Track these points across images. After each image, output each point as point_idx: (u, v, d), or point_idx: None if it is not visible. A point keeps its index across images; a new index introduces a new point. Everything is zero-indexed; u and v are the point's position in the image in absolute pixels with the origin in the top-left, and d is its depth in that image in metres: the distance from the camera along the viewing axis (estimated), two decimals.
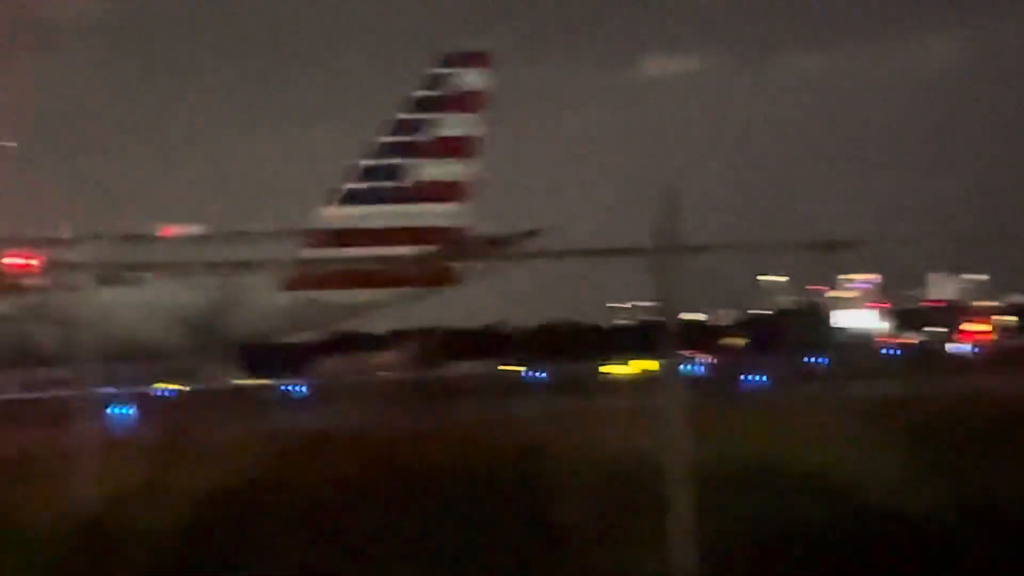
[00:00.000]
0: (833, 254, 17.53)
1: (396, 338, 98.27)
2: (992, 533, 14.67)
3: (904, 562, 13.91)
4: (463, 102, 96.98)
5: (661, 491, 13.06)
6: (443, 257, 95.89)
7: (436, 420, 33.07)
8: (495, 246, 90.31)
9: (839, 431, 16.20)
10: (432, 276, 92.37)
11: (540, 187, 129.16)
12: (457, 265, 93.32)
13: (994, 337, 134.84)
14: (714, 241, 14.01)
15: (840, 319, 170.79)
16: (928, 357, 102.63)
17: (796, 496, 14.50)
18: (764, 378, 69.41)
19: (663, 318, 13.71)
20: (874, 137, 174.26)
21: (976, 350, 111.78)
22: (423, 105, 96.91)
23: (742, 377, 69.27)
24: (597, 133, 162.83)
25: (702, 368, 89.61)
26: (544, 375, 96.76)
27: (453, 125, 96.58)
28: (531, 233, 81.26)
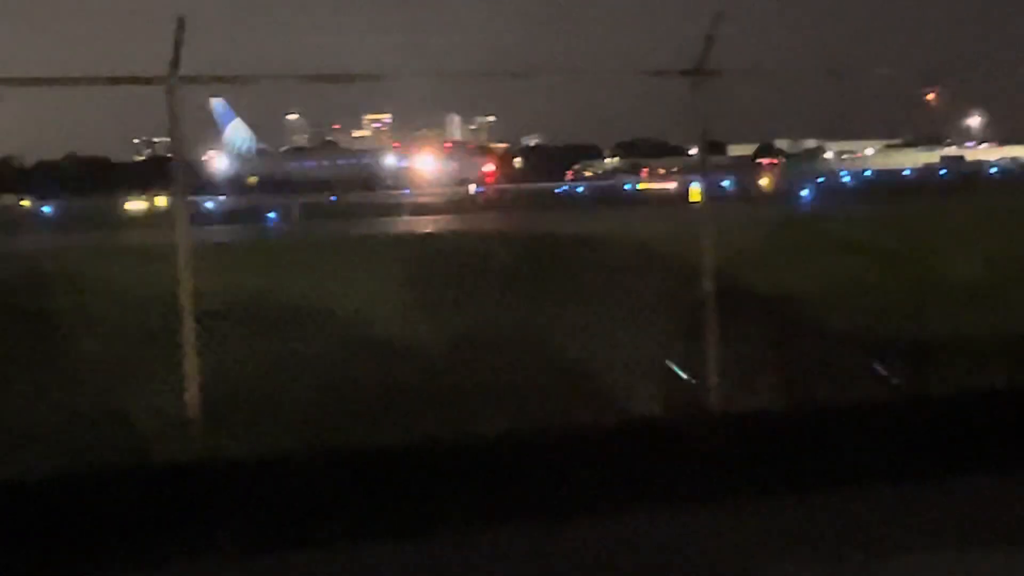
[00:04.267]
0: (343, 86, 17.70)
1: None
2: None
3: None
4: None
5: (172, 326, 13.12)
6: None
7: None
8: None
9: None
10: None
11: None
12: None
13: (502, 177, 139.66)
14: (214, 72, 13.83)
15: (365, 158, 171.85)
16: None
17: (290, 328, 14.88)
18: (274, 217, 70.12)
19: (174, 155, 13.55)
20: None
21: (481, 190, 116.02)
22: None
23: (267, 216, 69.71)
24: None
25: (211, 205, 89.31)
26: (52, 210, 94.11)
27: None
28: None
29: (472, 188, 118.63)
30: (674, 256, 17.92)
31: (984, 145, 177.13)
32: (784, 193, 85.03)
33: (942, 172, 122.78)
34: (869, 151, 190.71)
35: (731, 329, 14.57)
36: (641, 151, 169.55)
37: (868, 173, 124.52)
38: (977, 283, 21.48)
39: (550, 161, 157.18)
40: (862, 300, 20.73)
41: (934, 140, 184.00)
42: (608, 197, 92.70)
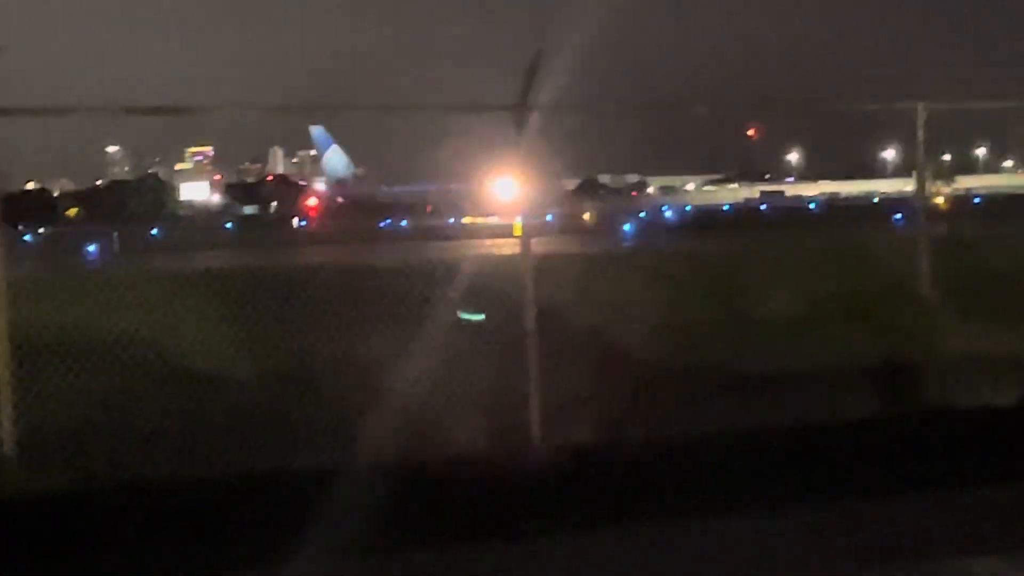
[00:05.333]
0: (171, 119, 17.54)
1: None
2: None
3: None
4: None
5: None
6: None
7: None
8: None
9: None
10: None
11: None
12: None
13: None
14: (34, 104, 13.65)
15: (185, 191, 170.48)
16: (268, 231, 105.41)
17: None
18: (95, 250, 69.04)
19: None
20: None
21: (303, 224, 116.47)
22: None
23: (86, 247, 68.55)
24: None
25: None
26: None
27: None
28: None
29: (295, 222, 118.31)
30: (495, 290, 18.01)
31: (805, 181, 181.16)
32: (606, 228, 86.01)
33: (763, 207, 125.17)
34: (690, 186, 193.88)
35: (553, 363, 14.68)
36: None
37: (689, 208, 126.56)
38: (796, 316, 21.91)
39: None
40: (685, 334, 21.01)
41: (755, 175, 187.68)
42: (431, 232, 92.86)
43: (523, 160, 14.81)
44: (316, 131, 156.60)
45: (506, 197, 16.39)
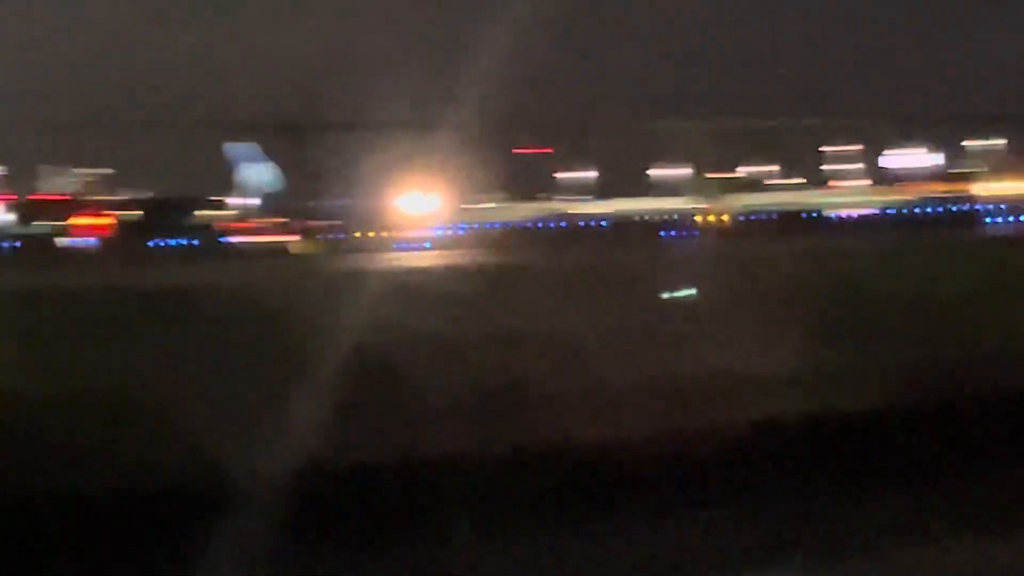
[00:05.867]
0: None
1: None
2: None
3: None
4: None
5: None
6: None
7: None
8: None
9: None
10: None
11: None
12: None
13: (112, 230, 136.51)
14: None
15: None
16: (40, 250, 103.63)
17: None
18: None
19: None
20: None
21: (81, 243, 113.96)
22: None
23: None
24: None
25: None
26: None
27: None
28: None
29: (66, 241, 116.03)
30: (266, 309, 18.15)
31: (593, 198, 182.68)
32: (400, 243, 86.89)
33: (551, 225, 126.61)
34: (483, 204, 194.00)
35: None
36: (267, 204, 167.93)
37: (477, 225, 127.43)
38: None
39: (166, 215, 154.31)
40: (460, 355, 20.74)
41: (542, 195, 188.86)
42: (209, 251, 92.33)
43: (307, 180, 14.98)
44: (237, 148, 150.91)
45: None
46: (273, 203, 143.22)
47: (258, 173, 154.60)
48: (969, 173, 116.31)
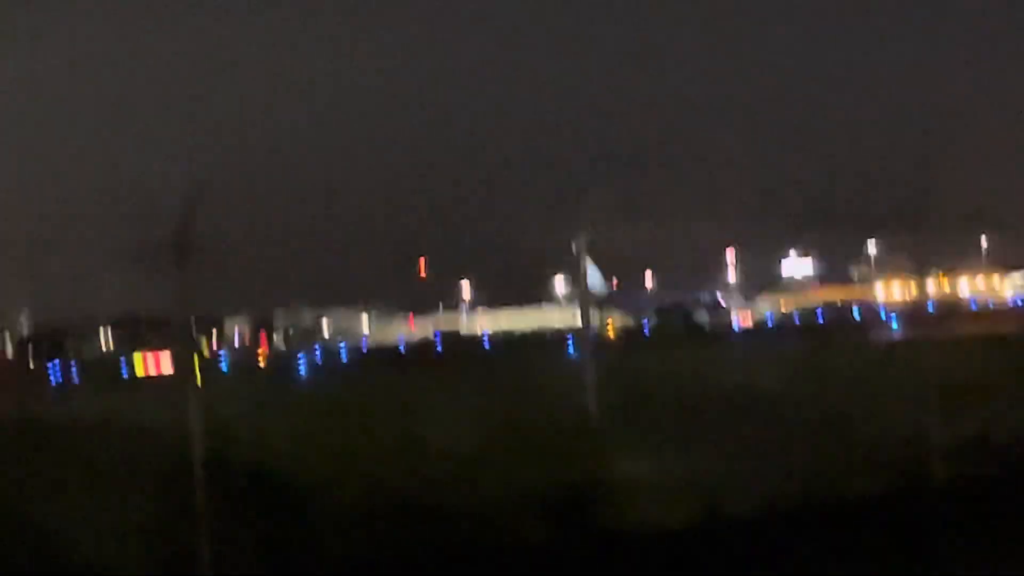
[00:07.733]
0: None
1: None
2: None
3: None
4: None
5: None
6: None
7: None
8: None
9: None
10: None
11: None
12: None
13: None
14: None
15: None
16: None
17: None
18: None
19: None
20: None
21: None
22: None
23: None
24: None
25: None
26: None
27: None
28: None
29: None
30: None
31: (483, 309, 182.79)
32: (284, 363, 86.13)
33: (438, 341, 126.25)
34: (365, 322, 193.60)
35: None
36: (145, 327, 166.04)
37: (364, 342, 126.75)
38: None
39: (38, 343, 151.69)
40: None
41: (429, 309, 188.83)
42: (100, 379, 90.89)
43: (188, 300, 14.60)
44: None
45: None
46: None
47: None
48: (861, 277, 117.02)
